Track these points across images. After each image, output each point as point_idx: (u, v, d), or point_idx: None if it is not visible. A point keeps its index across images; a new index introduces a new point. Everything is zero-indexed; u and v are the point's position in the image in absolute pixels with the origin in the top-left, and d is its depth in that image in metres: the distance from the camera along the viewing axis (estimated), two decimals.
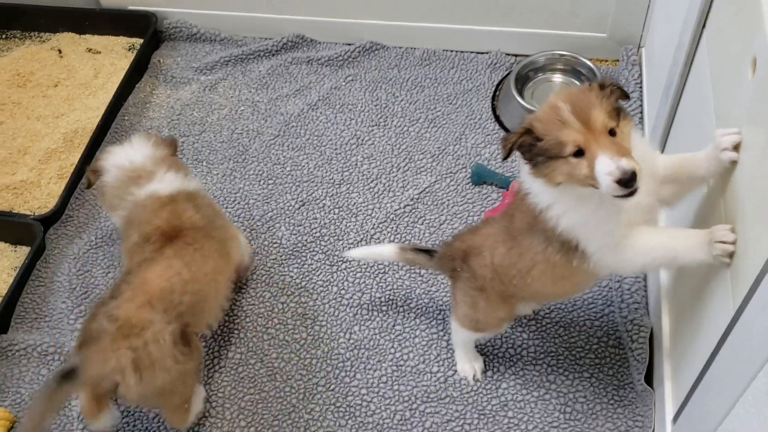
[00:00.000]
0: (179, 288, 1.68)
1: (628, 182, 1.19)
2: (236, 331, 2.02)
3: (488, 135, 2.38)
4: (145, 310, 1.62)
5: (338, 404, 1.88)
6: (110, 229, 2.28)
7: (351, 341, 1.99)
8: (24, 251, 2.26)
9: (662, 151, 2.04)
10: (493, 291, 1.64)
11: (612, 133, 1.25)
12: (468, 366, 1.88)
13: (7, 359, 2.02)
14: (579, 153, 1.25)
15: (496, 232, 1.60)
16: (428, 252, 1.80)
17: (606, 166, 1.19)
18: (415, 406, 1.86)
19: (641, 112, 2.28)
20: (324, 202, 2.30)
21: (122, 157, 1.86)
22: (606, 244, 1.39)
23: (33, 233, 2.22)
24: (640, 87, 2.34)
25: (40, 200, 2.37)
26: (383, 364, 1.94)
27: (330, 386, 1.91)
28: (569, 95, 1.28)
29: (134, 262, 1.73)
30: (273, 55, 2.73)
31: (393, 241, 2.17)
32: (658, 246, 1.37)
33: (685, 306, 1.61)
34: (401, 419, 1.84)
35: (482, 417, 1.82)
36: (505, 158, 1.35)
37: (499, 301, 1.65)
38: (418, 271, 2.10)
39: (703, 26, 1.66)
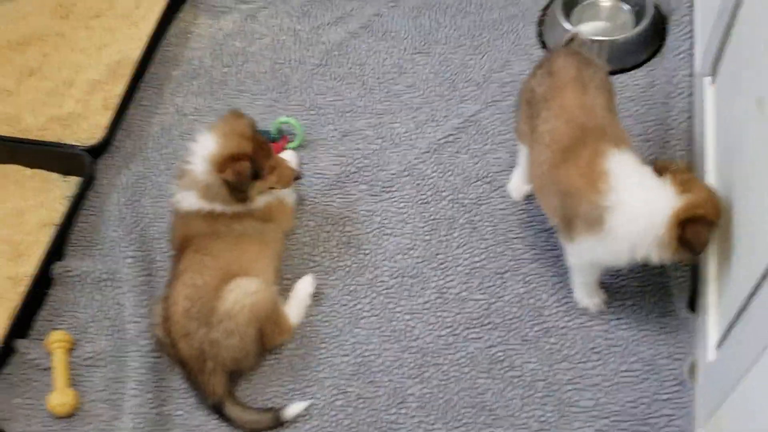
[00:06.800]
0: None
1: None
2: (282, 260, 2.05)
3: (534, 62, 2.31)
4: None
5: (383, 329, 1.92)
6: (157, 160, 2.32)
7: (394, 269, 2.01)
8: (74, 181, 2.32)
9: (714, 75, 1.99)
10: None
11: None
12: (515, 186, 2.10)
13: (64, 285, 2.10)
14: None
15: None
16: None
17: None
18: (458, 331, 1.89)
19: (691, 36, 2.20)
20: (366, 132, 2.29)
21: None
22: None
23: (82, 163, 2.27)
24: (691, 9, 2.26)
25: (88, 131, 2.40)
26: (426, 292, 1.97)
27: (375, 311, 1.95)
28: None
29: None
30: None
31: (436, 171, 2.17)
32: None
33: (732, 231, 1.60)
34: (445, 344, 1.88)
35: (525, 342, 1.85)
36: None
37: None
38: (461, 201, 2.10)
39: None
